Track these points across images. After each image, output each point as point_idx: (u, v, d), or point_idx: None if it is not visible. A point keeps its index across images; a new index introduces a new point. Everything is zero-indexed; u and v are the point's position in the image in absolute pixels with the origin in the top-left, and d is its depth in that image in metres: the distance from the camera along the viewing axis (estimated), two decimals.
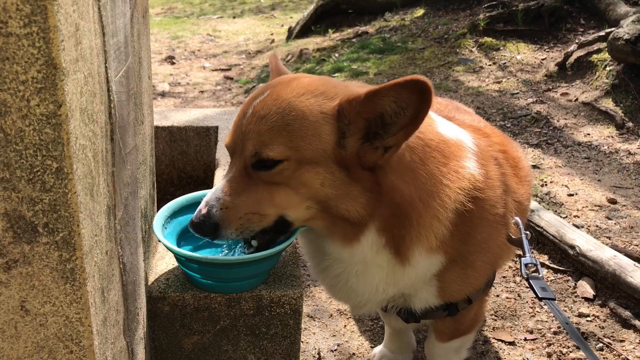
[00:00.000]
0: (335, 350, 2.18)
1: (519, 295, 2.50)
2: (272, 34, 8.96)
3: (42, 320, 0.96)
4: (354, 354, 2.17)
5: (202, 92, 6.11)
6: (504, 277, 2.63)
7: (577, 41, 5.33)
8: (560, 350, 2.18)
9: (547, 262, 2.71)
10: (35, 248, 0.90)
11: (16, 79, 0.81)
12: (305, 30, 7.97)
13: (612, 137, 4.13)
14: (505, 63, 5.58)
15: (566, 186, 3.46)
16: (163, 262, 1.72)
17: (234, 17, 11.09)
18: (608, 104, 4.48)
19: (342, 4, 8.01)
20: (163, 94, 5.99)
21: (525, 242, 1.48)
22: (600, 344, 2.19)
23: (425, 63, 5.85)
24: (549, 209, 3.06)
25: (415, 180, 1.30)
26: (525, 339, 2.24)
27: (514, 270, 2.67)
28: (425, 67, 5.77)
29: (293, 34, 8.02)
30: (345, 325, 2.32)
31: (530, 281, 1.43)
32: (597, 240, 2.67)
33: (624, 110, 4.36)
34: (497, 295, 2.50)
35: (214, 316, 1.59)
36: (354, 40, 7.04)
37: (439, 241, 1.35)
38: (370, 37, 6.99)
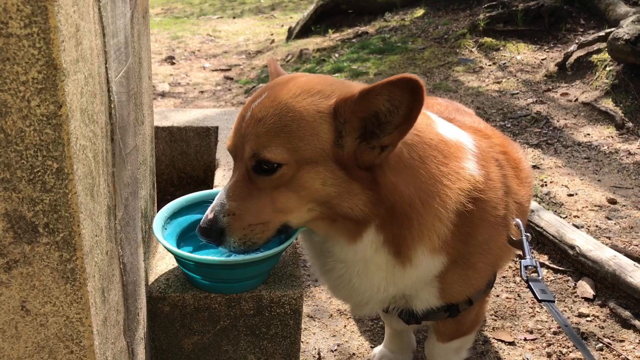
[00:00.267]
0: (335, 350, 2.18)
1: (518, 296, 2.51)
2: (272, 34, 8.96)
3: (42, 321, 0.96)
4: (354, 354, 2.17)
5: (202, 92, 6.11)
6: (503, 277, 2.63)
7: (577, 41, 5.33)
8: (560, 351, 2.18)
9: (547, 262, 2.71)
10: (35, 248, 0.91)
11: (17, 79, 0.81)
12: (305, 30, 7.98)
13: (612, 137, 4.13)
14: (505, 63, 5.58)
15: (566, 186, 3.46)
16: (163, 263, 1.72)
17: (234, 18, 11.09)
18: (608, 104, 4.48)
19: (342, 4, 8.01)
20: (163, 94, 5.99)
21: (526, 244, 1.48)
22: (600, 344, 2.19)
23: (425, 63, 5.85)
24: (548, 209, 3.07)
25: (414, 179, 1.30)
26: (525, 339, 2.24)
27: (513, 270, 2.67)
28: (425, 67, 5.77)
29: (293, 34, 8.02)
30: (345, 326, 2.33)
31: (530, 283, 1.43)
32: (597, 240, 2.67)
33: (623, 110, 4.36)
34: (497, 296, 2.50)
35: (214, 316, 1.59)
36: (354, 40, 7.04)
37: (442, 241, 1.35)
38: (370, 37, 6.99)
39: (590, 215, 3.10)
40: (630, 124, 4.22)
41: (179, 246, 1.61)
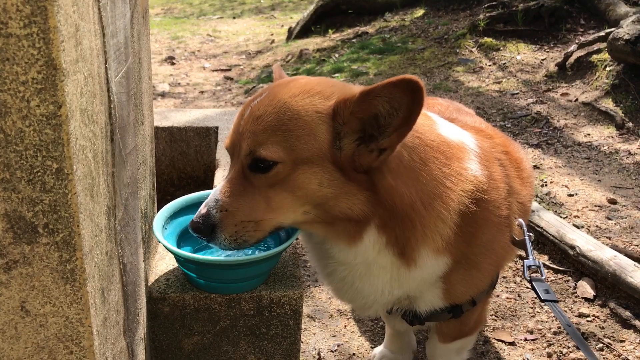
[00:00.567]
0: (335, 350, 2.18)
1: (519, 296, 2.50)
2: (272, 35, 8.97)
3: (42, 321, 0.96)
4: (354, 354, 2.17)
5: (202, 92, 6.11)
6: (504, 277, 2.63)
7: (577, 41, 5.33)
8: (560, 351, 2.18)
9: (547, 263, 2.71)
10: (35, 249, 0.90)
11: (16, 79, 0.81)
12: (305, 30, 7.98)
13: (612, 137, 4.13)
14: (505, 63, 5.58)
15: (566, 186, 3.46)
16: (163, 263, 1.72)
17: (234, 18, 11.09)
18: (608, 104, 4.48)
19: (342, 4, 8.01)
20: (163, 95, 5.99)
21: (529, 244, 1.48)
22: (601, 344, 2.19)
23: (425, 63, 5.85)
24: (549, 209, 3.06)
25: (416, 182, 1.29)
26: (526, 339, 2.24)
27: (514, 270, 2.67)
28: (425, 67, 5.77)
29: (293, 34, 8.02)
30: (345, 326, 2.32)
31: (533, 283, 1.43)
32: (597, 240, 2.67)
33: (624, 110, 4.36)
34: (498, 296, 2.50)
35: (214, 317, 1.59)
36: (354, 40, 7.04)
37: (445, 242, 1.35)
38: (370, 37, 6.99)
39: (591, 216, 3.10)
40: (630, 124, 4.21)
41: (179, 246, 1.61)
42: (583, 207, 3.19)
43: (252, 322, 1.61)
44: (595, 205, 3.20)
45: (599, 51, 5.06)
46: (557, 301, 1.38)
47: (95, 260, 0.98)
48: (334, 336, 2.26)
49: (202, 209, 1.30)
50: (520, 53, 5.71)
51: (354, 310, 2.38)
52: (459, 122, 1.62)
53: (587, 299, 2.45)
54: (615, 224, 3.00)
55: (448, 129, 1.45)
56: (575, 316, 2.37)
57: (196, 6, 12.74)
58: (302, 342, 2.20)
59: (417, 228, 1.31)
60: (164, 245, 1.48)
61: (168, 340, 1.62)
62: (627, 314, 2.31)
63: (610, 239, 2.84)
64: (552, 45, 5.78)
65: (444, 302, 1.50)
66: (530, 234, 1.51)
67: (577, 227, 2.89)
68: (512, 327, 2.32)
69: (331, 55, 6.59)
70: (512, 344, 2.22)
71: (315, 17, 8.02)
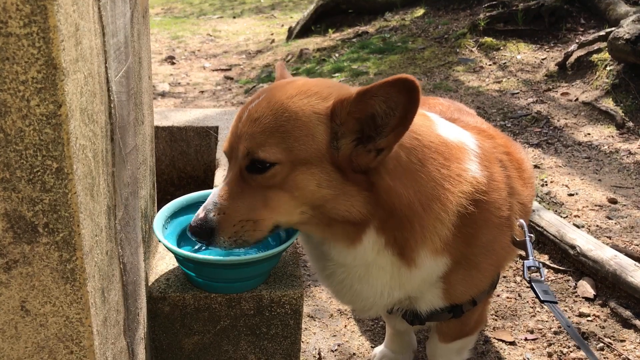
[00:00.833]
0: (335, 350, 2.18)
1: (519, 295, 2.50)
2: (272, 34, 8.96)
3: (42, 321, 0.96)
4: (354, 354, 2.17)
5: (202, 92, 6.11)
6: (504, 277, 2.63)
7: (577, 41, 5.33)
8: (560, 350, 2.18)
9: (547, 262, 2.71)
10: (35, 248, 0.90)
11: (16, 79, 0.80)
12: (305, 30, 7.98)
13: (613, 136, 4.12)
14: (505, 63, 5.58)
15: (566, 186, 3.45)
16: (163, 262, 1.72)
17: (234, 17, 11.09)
18: (608, 104, 4.47)
19: (342, 4, 8.01)
20: (163, 94, 5.99)
21: (529, 245, 1.48)
22: (601, 344, 2.19)
23: (426, 63, 5.84)
24: (549, 209, 3.06)
25: (414, 183, 1.29)
26: (526, 339, 2.24)
27: (514, 270, 2.67)
28: (425, 67, 5.76)
29: (293, 34, 8.02)
30: (345, 325, 2.32)
31: (533, 284, 1.43)
32: (598, 240, 2.67)
33: (624, 109, 4.36)
34: (498, 295, 2.50)
35: (214, 316, 1.59)
36: (354, 40, 7.04)
37: (444, 243, 1.35)
38: (370, 37, 6.99)
39: (591, 215, 3.10)
40: (630, 124, 4.21)
41: (179, 245, 1.61)
42: (583, 207, 3.19)
43: (253, 322, 1.60)
44: (596, 205, 3.20)
45: (599, 51, 5.06)
46: (556, 302, 1.38)
47: (95, 259, 0.98)
48: (335, 336, 2.26)
49: (200, 213, 1.30)
50: (521, 52, 5.71)
51: (354, 310, 2.38)
52: (460, 123, 1.62)
53: (587, 299, 2.45)
54: (615, 223, 3.00)
55: (448, 130, 1.44)
56: (576, 316, 2.37)
57: (196, 6, 12.73)
58: (302, 341, 2.20)
59: (416, 229, 1.31)
60: (164, 244, 1.48)
61: (168, 339, 1.62)
62: (627, 313, 2.31)
63: (610, 239, 2.84)
64: (552, 45, 5.77)
65: (445, 302, 1.50)
66: (531, 234, 1.51)
67: (578, 226, 2.89)
68: (512, 327, 2.32)
69: (331, 55, 6.59)
70: (512, 343, 2.22)
71: (315, 17, 8.02)
